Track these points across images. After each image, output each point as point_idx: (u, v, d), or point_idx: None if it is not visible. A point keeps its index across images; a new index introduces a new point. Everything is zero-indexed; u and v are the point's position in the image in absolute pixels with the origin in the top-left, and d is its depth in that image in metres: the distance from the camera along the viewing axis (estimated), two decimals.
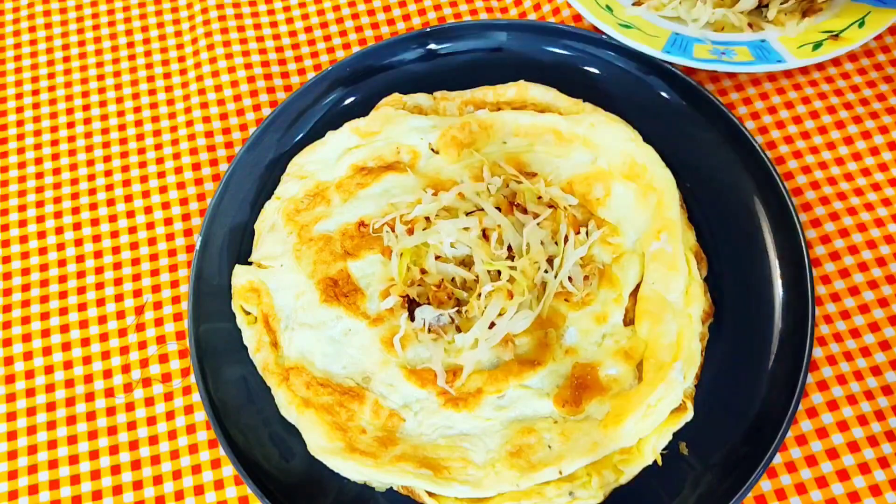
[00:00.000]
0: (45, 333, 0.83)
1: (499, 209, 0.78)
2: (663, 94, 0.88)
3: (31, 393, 0.81)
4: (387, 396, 0.74)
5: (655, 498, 0.71)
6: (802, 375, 0.73)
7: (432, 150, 0.84)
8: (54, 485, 0.77)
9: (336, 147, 0.86)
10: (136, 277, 0.86)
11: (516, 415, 0.73)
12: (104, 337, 0.83)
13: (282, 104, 0.88)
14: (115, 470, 0.77)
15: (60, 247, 0.88)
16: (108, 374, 0.81)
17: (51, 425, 0.79)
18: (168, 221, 0.89)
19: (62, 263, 0.87)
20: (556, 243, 0.77)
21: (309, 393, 0.74)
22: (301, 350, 0.76)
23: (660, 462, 0.71)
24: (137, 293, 0.85)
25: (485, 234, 0.77)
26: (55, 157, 0.93)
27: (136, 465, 0.77)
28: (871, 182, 0.87)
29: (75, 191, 0.91)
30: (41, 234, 0.88)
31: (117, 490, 0.76)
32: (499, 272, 0.75)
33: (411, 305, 0.76)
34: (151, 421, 0.79)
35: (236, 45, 0.98)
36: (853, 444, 0.75)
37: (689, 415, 0.72)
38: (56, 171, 0.92)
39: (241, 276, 0.80)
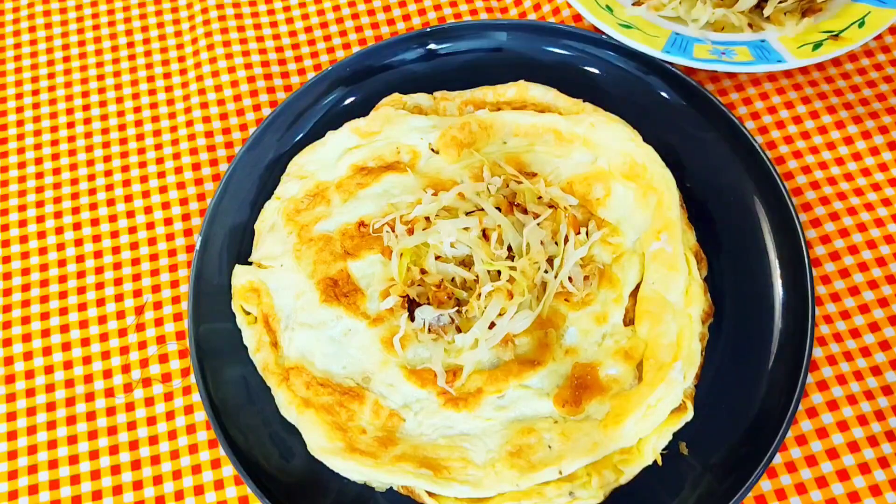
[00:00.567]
0: (45, 333, 0.83)
1: (499, 209, 0.78)
2: (663, 94, 0.88)
3: (31, 393, 0.81)
4: (387, 396, 0.74)
5: (655, 498, 0.71)
6: (802, 375, 0.73)
7: (432, 150, 0.84)
8: (54, 485, 0.77)
9: (336, 147, 0.85)
10: (136, 277, 0.86)
11: (516, 415, 0.73)
12: (104, 337, 0.83)
13: (282, 104, 0.88)
14: (115, 470, 0.77)
15: (60, 247, 0.88)
16: (108, 374, 0.81)
17: (51, 425, 0.79)
18: (168, 221, 0.89)
19: (62, 263, 0.87)
20: (556, 243, 0.77)
21: (309, 393, 0.74)
22: (301, 350, 0.76)
23: (660, 462, 0.71)
24: (137, 293, 0.85)
25: (485, 234, 0.77)
26: (55, 157, 0.93)
27: (136, 465, 0.77)
28: (871, 182, 0.87)
29: (75, 191, 0.91)
30: (41, 234, 0.88)
31: (117, 490, 0.76)
32: (499, 272, 0.75)
33: (411, 305, 0.76)
34: (151, 421, 0.79)
35: (236, 45, 0.98)
36: (853, 444, 0.75)
37: (689, 415, 0.72)
38: (56, 171, 0.92)
39: (241, 276, 0.80)
